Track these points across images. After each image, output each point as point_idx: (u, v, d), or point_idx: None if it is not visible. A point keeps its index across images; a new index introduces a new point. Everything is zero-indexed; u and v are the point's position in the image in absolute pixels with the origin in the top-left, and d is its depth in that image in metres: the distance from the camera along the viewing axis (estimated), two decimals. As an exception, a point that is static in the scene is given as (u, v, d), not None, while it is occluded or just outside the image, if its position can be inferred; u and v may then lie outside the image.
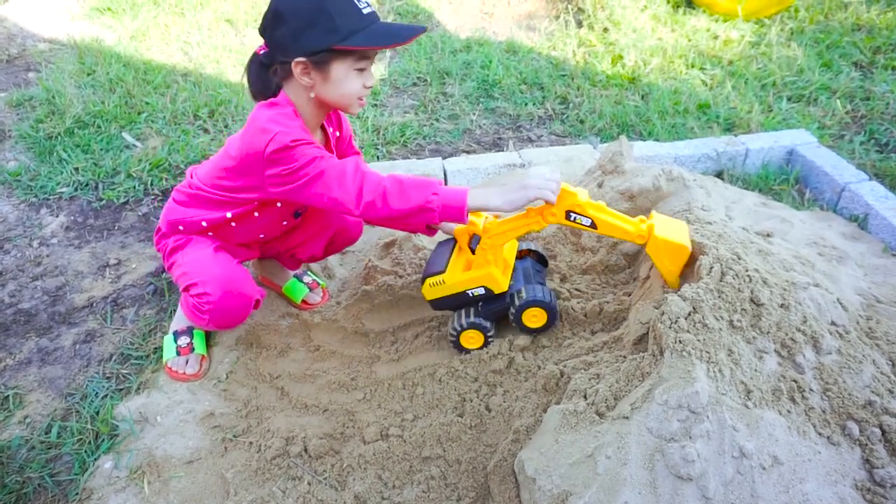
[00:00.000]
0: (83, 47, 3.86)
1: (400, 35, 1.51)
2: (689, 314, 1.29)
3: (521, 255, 1.85)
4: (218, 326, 1.80)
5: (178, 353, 1.85)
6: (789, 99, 3.34)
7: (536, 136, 3.18)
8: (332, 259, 2.34)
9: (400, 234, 2.29)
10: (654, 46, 3.89)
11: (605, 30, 4.18)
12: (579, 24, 4.33)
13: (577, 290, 1.83)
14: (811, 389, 1.29)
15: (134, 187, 2.74)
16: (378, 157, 2.94)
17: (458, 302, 1.72)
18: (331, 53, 1.47)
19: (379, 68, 3.81)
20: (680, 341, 1.24)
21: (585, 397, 1.34)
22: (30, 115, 3.24)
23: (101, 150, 2.96)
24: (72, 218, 2.60)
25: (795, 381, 1.29)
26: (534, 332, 1.71)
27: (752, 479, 1.14)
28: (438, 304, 1.75)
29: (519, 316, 1.68)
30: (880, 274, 2.09)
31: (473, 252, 1.68)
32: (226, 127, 3.15)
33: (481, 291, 1.67)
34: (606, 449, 1.19)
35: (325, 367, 1.88)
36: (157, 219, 2.56)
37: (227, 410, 1.77)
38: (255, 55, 1.60)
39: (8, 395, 1.83)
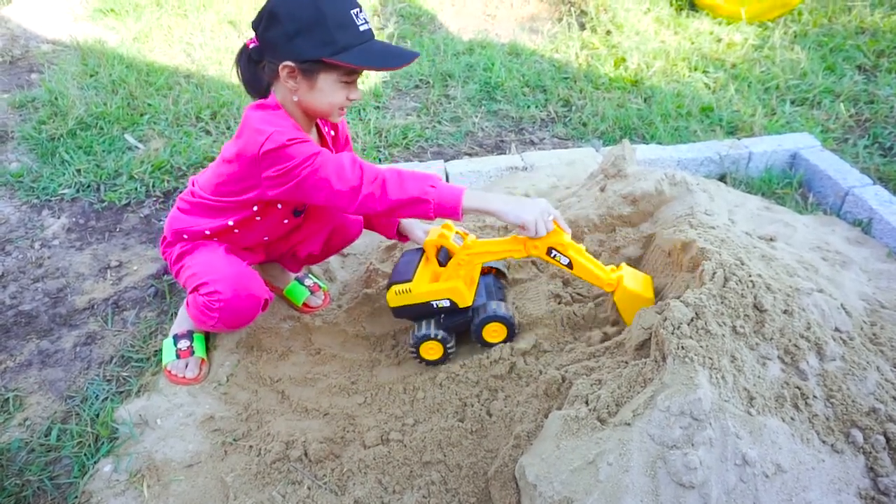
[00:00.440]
0: (86, 49, 3.86)
1: (392, 60, 1.52)
2: (692, 320, 1.28)
3: (483, 271, 1.89)
4: (227, 326, 1.78)
5: (178, 357, 1.85)
6: (793, 102, 3.33)
7: (539, 139, 3.17)
8: (334, 262, 2.34)
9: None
10: (656, 49, 3.88)
11: (608, 32, 4.18)
12: (582, 27, 4.32)
13: (578, 294, 1.82)
14: (815, 396, 1.28)
15: (136, 189, 2.73)
16: (380, 160, 2.94)
17: (420, 312, 1.74)
18: (320, 64, 1.48)
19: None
20: (682, 347, 1.23)
21: (587, 403, 1.33)
22: (32, 117, 3.24)
23: (104, 151, 2.96)
24: (73, 219, 2.60)
25: (799, 388, 1.28)
26: (491, 346, 1.74)
27: (755, 487, 1.13)
28: (401, 311, 1.77)
29: (480, 329, 1.71)
30: (884, 279, 2.08)
31: (442, 265, 1.71)
32: (228, 129, 3.15)
33: (446, 304, 1.70)
34: (608, 456, 1.18)
35: (326, 371, 1.87)
36: (159, 220, 2.57)
37: (227, 414, 1.76)
38: (245, 48, 1.59)
39: (8, 398, 1.83)
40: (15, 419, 1.78)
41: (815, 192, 2.62)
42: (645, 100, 3.41)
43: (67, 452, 1.67)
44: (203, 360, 1.88)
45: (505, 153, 3.01)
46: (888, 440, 1.24)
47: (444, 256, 1.71)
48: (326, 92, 1.53)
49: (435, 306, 1.71)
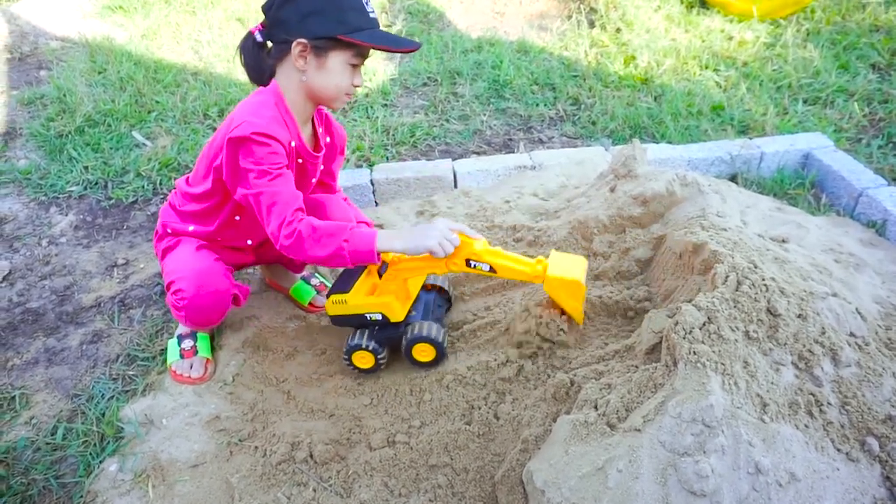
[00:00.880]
0: (94, 46, 3.86)
1: (400, 42, 1.59)
2: (704, 324, 1.26)
3: (428, 288, 1.92)
4: (195, 324, 1.81)
5: (182, 357, 1.84)
6: (805, 101, 3.28)
7: (547, 138, 3.15)
8: (341, 261, 2.32)
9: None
10: (667, 47, 3.84)
11: (618, 30, 4.14)
12: (591, 25, 4.29)
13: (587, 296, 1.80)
14: (829, 403, 1.25)
15: (143, 186, 2.73)
16: (388, 158, 2.92)
17: (356, 322, 1.78)
18: (333, 42, 1.51)
19: (389, 68, 3.79)
20: (694, 352, 1.21)
21: (596, 408, 1.31)
22: (41, 114, 3.24)
23: (111, 148, 2.96)
24: (81, 217, 2.60)
25: (813, 394, 1.25)
26: (421, 365, 1.77)
27: (768, 496, 1.10)
28: (338, 320, 1.80)
29: (409, 348, 1.74)
30: (899, 282, 2.04)
31: (380, 277, 1.76)
32: (235, 126, 3.13)
33: (378, 317, 1.74)
34: (618, 462, 1.17)
35: (332, 371, 1.86)
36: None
37: (232, 414, 1.75)
38: (249, 34, 1.61)
39: (14, 396, 1.83)
40: (21, 417, 1.78)
41: (828, 193, 2.59)
42: (655, 98, 3.38)
43: (73, 451, 1.67)
44: (208, 359, 1.87)
45: (513, 152, 2.99)
46: (905, 449, 1.21)
47: (384, 270, 1.75)
48: (335, 73, 1.55)
49: (368, 318, 1.75)
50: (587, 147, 2.91)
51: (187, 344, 1.86)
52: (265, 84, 1.63)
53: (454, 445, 1.55)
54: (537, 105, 3.39)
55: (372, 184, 2.60)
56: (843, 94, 3.32)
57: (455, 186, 2.68)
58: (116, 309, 2.14)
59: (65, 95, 3.28)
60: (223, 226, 1.77)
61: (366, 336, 1.75)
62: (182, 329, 1.90)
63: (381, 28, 1.57)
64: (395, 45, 1.57)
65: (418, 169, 2.65)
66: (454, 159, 2.80)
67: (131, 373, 1.90)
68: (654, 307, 1.61)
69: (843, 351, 1.30)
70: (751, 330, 1.28)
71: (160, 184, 2.74)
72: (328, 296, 1.76)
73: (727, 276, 1.34)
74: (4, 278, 2.29)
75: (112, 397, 1.81)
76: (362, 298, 1.73)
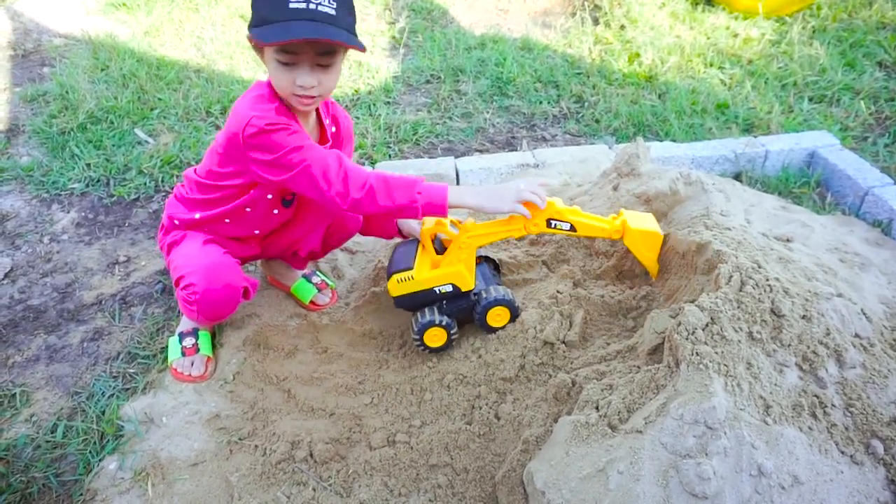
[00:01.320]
0: (97, 43, 3.86)
1: (296, 32, 1.39)
2: (707, 325, 1.25)
3: (476, 261, 1.88)
4: (207, 318, 1.78)
5: (184, 354, 1.84)
6: (811, 99, 3.26)
7: (551, 136, 3.13)
8: (342, 259, 2.32)
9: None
10: (671, 44, 3.82)
11: (622, 27, 4.11)
12: (595, 22, 4.26)
13: (588, 293, 1.79)
14: (833, 405, 1.24)
15: (145, 184, 2.73)
16: (390, 156, 2.91)
17: (422, 299, 1.74)
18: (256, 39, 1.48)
19: (392, 65, 3.77)
20: (697, 353, 1.20)
21: (597, 409, 1.30)
22: (43, 111, 3.24)
23: (113, 145, 2.96)
24: (83, 214, 2.60)
25: (817, 396, 1.24)
26: (494, 331, 1.74)
27: (770, 499, 1.09)
28: (403, 300, 1.77)
29: (484, 314, 1.71)
30: (905, 282, 2.02)
31: (438, 252, 1.74)
32: (237, 124, 3.13)
33: (448, 289, 1.71)
34: (619, 464, 1.15)
35: (333, 370, 1.85)
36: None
37: (232, 412, 1.75)
38: None
39: (15, 393, 1.82)
40: (21, 415, 1.77)
41: (834, 192, 2.56)
42: (659, 96, 3.36)
43: (73, 449, 1.67)
44: (209, 357, 1.86)
45: (516, 149, 2.97)
46: (910, 451, 1.20)
47: (438, 244, 1.75)
48: (271, 71, 1.52)
49: (438, 292, 1.71)
50: (590, 145, 2.90)
51: (188, 342, 1.86)
52: None
53: (455, 445, 1.54)
54: (541, 103, 3.37)
55: (374, 181, 2.59)
56: (849, 92, 3.29)
57: (458, 184, 2.66)
58: (117, 306, 2.13)
59: (67, 92, 3.28)
60: (233, 214, 1.76)
61: (436, 311, 1.72)
62: (183, 327, 1.90)
63: (317, 11, 1.39)
64: (288, 36, 1.39)
65: (420, 167, 2.64)
66: (457, 157, 2.79)
67: (132, 371, 1.89)
68: (657, 307, 1.60)
69: (847, 352, 1.29)
70: (754, 331, 1.27)
71: (162, 181, 2.74)
72: (388, 276, 1.73)
73: (731, 277, 1.33)
74: (6, 275, 2.29)
75: (112, 395, 1.81)
76: (428, 272, 1.70)
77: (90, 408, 1.77)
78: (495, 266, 1.94)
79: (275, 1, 1.40)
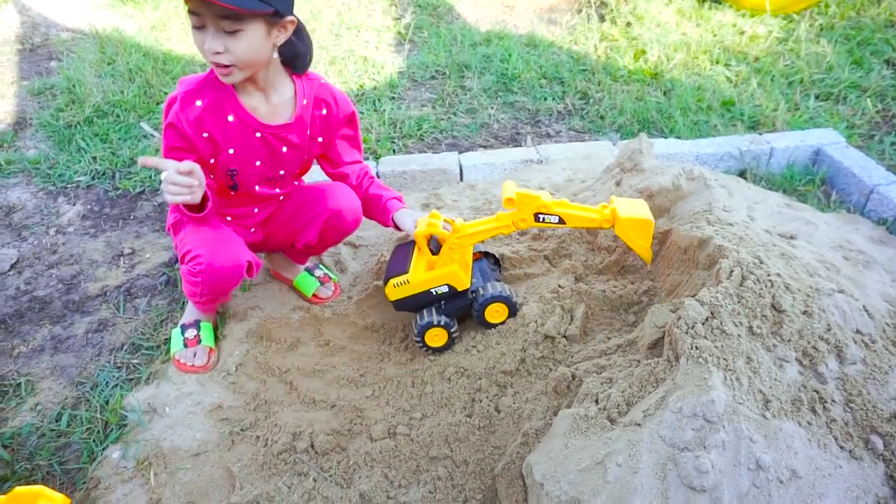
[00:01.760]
0: (104, 37, 3.88)
1: None
2: (707, 319, 1.25)
3: (475, 257, 1.91)
4: (210, 293, 1.74)
5: (186, 346, 1.85)
6: (817, 97, 3.24)
7: (555, 132, 3.13)
8: (345, 253, 2.33)
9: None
10: (677, 42, 3.80)
11: (629, 24, 4.10)
12: (602, 19, 4.25)
13: (590, 288, 1.79)
14: (833, 401, 1.24)
15: (150, 177, 2.74)
16: (394, 151, 2.92)
17: (420, 301, 1.75)
18: None
19: (397, 61, 3.77)
20: (696, 347, 1.20)
21: (597, 402, 1.30)
22: (50, 104, 3.26)
23: (119, 139, 2.98)
24: (88, 207, 2.61)
25: (817, 391, 1.24)
26: (493, 327, 1.75)
27: (768, 492, 1.09)
28: (401, 304, 1.78)
29: (482, 311, 1.72)
30: (909, 280, 2.01)
31: (434, 253, 1.74)
32: (243, 118, 3.14)
33: (444, 289, 1.72)
34: (617, 456, 1.16)
35: (335, 363, 1.86)
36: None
37: (235, 403, 1.76)
38: None
39: (20, 382, 1.84)
40: (27, 404, 1.79)
41: (839, 190, 2.55)
42: (664, 93, 3.34)
43: (77, 438, 1.68)
44: (211, 349, 1.88)
45: (520, 145, 2.97)
46: (909, 447, 1.20)
47: (434, 245, 1.74)
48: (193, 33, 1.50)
49: (434, 293, 1.73)
50: (595, 141, 2.89)
51: (191, 333, 1.87)
52: None
53: (455, 437, 1.54)
54: (545, 99, 3.37)
55: (378, 176, 2.60)
56: (856, 90, 3.27)
57: (461, 180, 2.67)
58: (122, 298, 2.15)
59: (74, 86, 3.30)
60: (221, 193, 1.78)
61: (434, 312, 1.74)
62: (186, 318, 1.92)
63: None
64: None
65: (424, 162, 2.64)
66: (461, 152, 2.79)
67: (135, 361, 1.91)
68: (658, 302, 1.60)
69: (848, 348, 1.28)
70: (755, 326, 1.27)
71: (167, 174, 2.75)
72: (384, 282, 1.75)
73: (732, 271, 1.33)
74: (12, 266, 2.31)
75: (116, 385, 1.83)
76: (423, 275, 1.72)
77: (94, 397, 1.78)
78: (496, 261, 1.95)
79: None
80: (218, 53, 1.47)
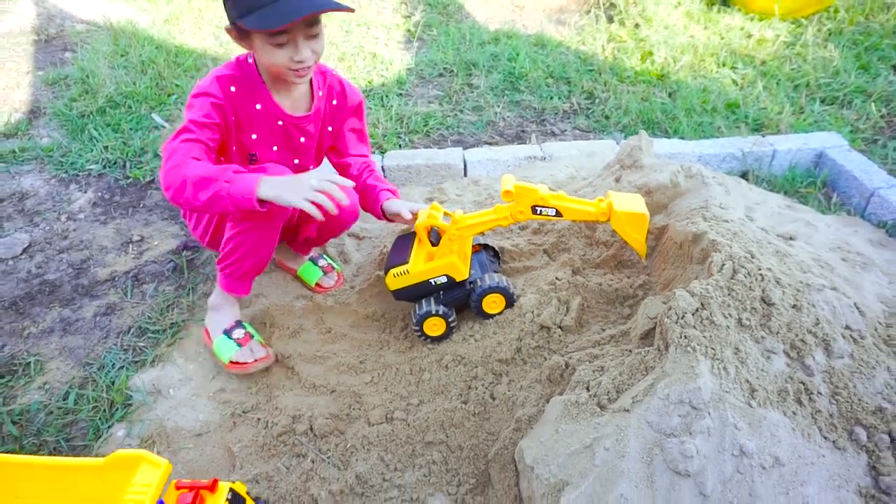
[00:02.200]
0: (118, 29, 3.94)
1: (292, 13, 1.45)
2: (697, 310, 1.28)
3: (474, 249, 1.94)
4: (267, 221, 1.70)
5: (240, 346, 1.82)
6: (823, 101, 3.26)
7: (560, 131, 3.16)
8: (349, 244, 2.37)
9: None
10: (684, 44, 3.82)
11: (637, 26, 4.13)
12: (610, 20, 4.28)
13: (588, 281, 1.82)
14: (819, 393, 1.26)
15: (160, 167, 2.78)
16: (400, 146, 2.96)
17: (419, 291, 1.79)
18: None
19: (406, 58, 3.81)
20: (685, 336, 1.23)
21: (588, 389, 1.33)
22: (64, 94, 3.32)
23: (131, 129, 3.03)
24: (99, 194, 2.67)
25: (803, 383, 1.26)
26: (490, 317, 1.78)
27: (751, 478, 1.12)
28: (401, 293, 1.81)
29: (479, 302, 1.75)
30: (906, 282, 2.03)
31: (434, 245, 1.77)
32: (252, 111, 3.19)
33: (443, 280, 1.75)
34: (605, 441, 1.19)
35: (336, 350, 1.90)
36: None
37: (237, 387, 1.80)
38: None
39: (30, 362, 1.89)
40: (35, 382, 1.84)
41: (840, 193, 2.57)
42: (670, 94, 3.37)
43: (83, 416, 1.73)
44: (262, 342, 1.87)
45: (525, 143, 3.00)
46: (893, 439, 1.22)
47: (434, 236, 1.78)
48: (264, 53, 1.57)
49: (433, 284, 1.76)
50: (599, 140, 2.92)
51: (238, 333, 1.85)
52: None
53: (450, 423, 1.58)
54: (551, 98, 3.40)
55: (383, 170, 2.64)
56: (861, 94, 3.28)
57: (465, 175, 2.70)
58: (130, 283, 2.20)
59: (88, 77, 3.36)
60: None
61: (433, 302, 1.77)
62: (224, 324, 1.87)
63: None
64: (283, 20, 1.45)
65: (429, 157, 2.68)
66: (465, 148, 2.82)
67: (142, 344, 1.96)
68: (653, 295, 1.63)
69: (836, 342, 1.31)
70: (744, 318, 1.30)
71: (177, 164, 2.80)
72: (385, 272, 1.79)
73: (723, 265, 1.36)
74: (24, 251, 2.36)
75: (122, 367, 1.87)
76: (423, 265, 1.75)
77: (101, 378, 1.83)
78: (495, 253, 1.98)
79: None
80: (308, 59, 1.56)
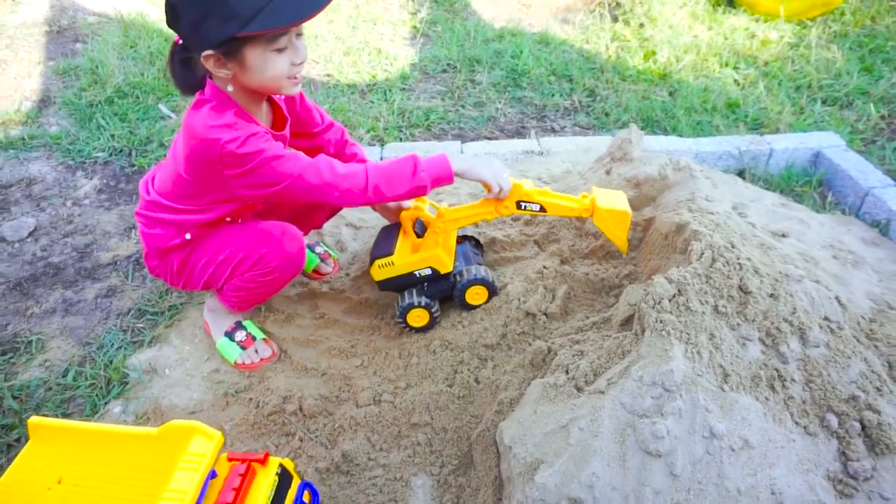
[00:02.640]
0: (128, 21, 4.01)
1: (307, 6, 1.35)
2: (674, 296, 1.30)
3: (458, 240, 1.96)
4: (279, 286, 1.76)
5: (243, 348, 1.84)
6: (824, 102, 3.26)
7: (560, 127, 3.18)
8: (346, 233, 2.41)
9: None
10: (688, 43, 3.84)
11: (641, 25, 4.14)
12: (615, 19, 4.30)
13: (575, 271, 1.85)
14: (793, 380, 1.28)
15: (164, 155, 2.84)
16: (401, 139, 2.99)
17: (404, 283, 1.81)
18: (238, 41, 1.35)
19: (410, 53, 3.85)
20: (661, 321, 1.26)
21: (567, 372, 1.36)
22: (74, 84, 3.39)
23: (138, 119, 3.09)
24: (105, 181, 2.73)
25: (777, 370, 1.29)
26: (474, 308, 1.82)
27: (720, 459, 1.15)
28: (386, 284, 1.84)
29: (462, 294, 1.79)
30: (897, 281, 2.04)
31: (419, 236, 1.80)
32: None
33: (428, 272, 1.78)
34: (580, 421, 1.22)
35: (328, 335, 1.94)
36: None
37: (231, 368, 1.85)
38: (175, 45, 1.47)
39: (32, 340, 1.95)
40: (36, 360, 1.89)
41: (836, 192, 2.58)
42: (670, 93, 3.39)
43: (81, 392, 1.78)
44: (266, 339, 1.89)
45: (524, 139, 3.03)
46: (864, 427, 1.24)
47: (420, 228, 1.80)
48: (262, 67, 1.41)
49: (418, 275, 1.79)
50: (597, 136, 2.94)
51: (240, 335, 1.85)
52: (195, 89, 1.52)
53: (435, 406, 1.61)
54: (553, 95, 3.42)
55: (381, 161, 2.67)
56: (863, 96, 3.29)
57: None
58: (131, 267, 2.25)
59: (97, 67, 3.42)
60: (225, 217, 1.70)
61: (415, 293, 1.79)
62: (224, 326, 1.88)
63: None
64: (301, 14, 1.34)
65: (427, 149, 2.72)
66: (463, 143, 2.86)
67: (140, 325, 2.01)
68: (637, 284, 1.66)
69: (811, 331, 1.33)
70: (720, 305, 1.32)
71: (181, 154, 2.86)
72: (371, 262, 1.81)
73: (702, 253, 1.38)
74: (30, 234, 2.42)
75: (120, 347, 1.92)
76: (408, 257, 1.77)
77: (99, 357, 1.88)
78: (477, 243, 2.02)
79: None
80: (303, 60, 1.48)
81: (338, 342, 1.90)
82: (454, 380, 1.66)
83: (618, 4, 4.42)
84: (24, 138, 2.95)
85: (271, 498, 1.18)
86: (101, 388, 1.79)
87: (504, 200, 1.65)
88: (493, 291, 1.79)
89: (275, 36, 1.38)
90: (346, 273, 2.19)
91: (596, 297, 1.74)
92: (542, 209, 1.66)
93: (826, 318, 1.43)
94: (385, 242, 1.84)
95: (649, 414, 1.18)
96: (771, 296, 1.36)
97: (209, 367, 1.87)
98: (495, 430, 1.45)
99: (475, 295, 1.79)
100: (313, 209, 2.00)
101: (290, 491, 1.24)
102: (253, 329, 1.90)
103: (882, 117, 3.08)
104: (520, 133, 3.13)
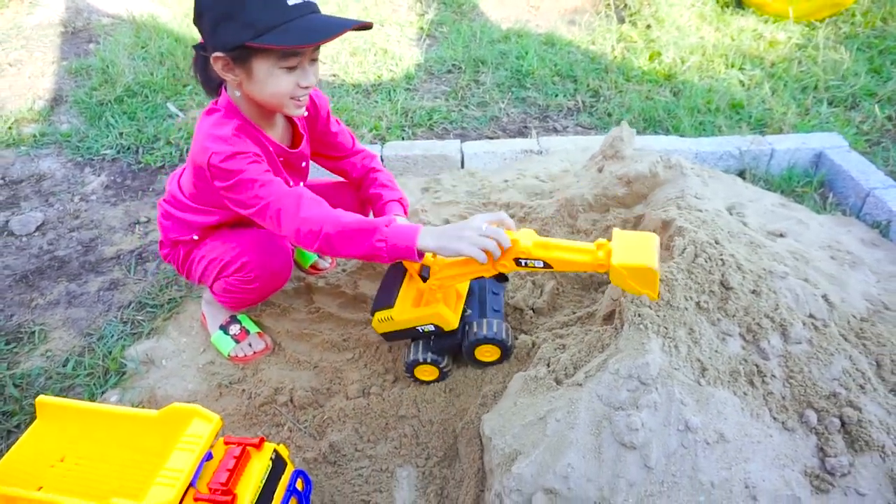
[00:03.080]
0: (140, 23, 4.08)
1: (322, 31, 1.34)
2: (654, 291, 1.31)
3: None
4: (263, 294, 1.77)
5: (237, 342, 1.87)
6: (830, 103, 3.24)
7: (562, 127, 3.19)
8: (345, 230, 2.43)
9: (409, 209, 2.36)
10: (694, 44, 3.82)
11: (648, 26, 4.14)
12: (622, 20, 4.29)
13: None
14: (773, 375, 1.29)
15: (171, 153, 2.90)
16: (403, 138, 3.02)
17: (409, 335, 1.65)
18: (249, 50, 1.36)
19: (415, 54, 3.88)
20: (639, 315, 1.27)
21: (548, 365, 1.38)
22: (86, 83, 3.46)
23: (146, 117, 3.15)
24: (112, 178, 2.78)
25: (757, 365, 1.29)
26: (485, 366, 1.64)
27: (695, 452, 1.15)
28: (389, 336, 1.68)
29: (471, 352, 1.60)
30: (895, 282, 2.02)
31: (424, 280, 1.58)
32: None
33: (431, 328, 1.60)
34: (557, 413, 1.23)
35: (322, 328, 1.97)
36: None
37: (225, 361, 1.88)
38: (198, 45, 1.50)
39: (35, 331, 2.00)
40: (38, 350, 1.94)
41: (837, 193, 2.56)
42: (674, 94, 3.38)
43: (80, 382, 1.83)
44: (260, 332, 1.92)
45: (525, 138, 3.04)
46: (843, 423, 1.24)
47: (426, 271, 1.56)
48: (265, 81, 1.41)
49: (421, 331, 1.61)
50: (597, 136, 2.95)
51: (234, 329, 1.88)
52: (216, 91, 1.57)
53: (423, 399, 1.63)
54: (556, 95, 3.43)
55: (382, 159, 2.71)
56: (870, 97, 3.25)
57: (462, 167, 2.75)
58: (134, 261, 2.30)
59: (108, 67, 3.49)
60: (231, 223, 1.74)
61: (421, 348, 1.62)
62: (220, 319, 1.91)
63: (311, 2, 1.37)
64: (314, 37, 1.33)
65: (427, 148, 2.74)
66: (463, 141, 2.88)
67: (140, 318, 2.05)
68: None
69: (793, 328, 1.33)
70: (702, 300, 1.33)
71: (186, 151, 2.90)
72: (371, 313, 1.64)
73: (685, 249, 1.39)
74: (37, 228, 2.48)
75: (120, 338, 1.97)
76: (409, 312, 1.58)
77: (99, 347, 1.93)
78: (502, 276, 1.66)
79: (274, 5, 1.31)
80: (311, 84, 1.46)
81: (331, 336, 1.92)
82: (442, 374, 1.68)
83: (625, 6, 4.42)
84: (35, 136, 3.02)
85: (264, 481, 1.21)
86: (100, 377, 1.83)
87: (500, 258, 1.36)
88: (505, 351, 1.57)
89: (286, 54, 1.38)
90: (343, 269, 2.22)
91: (584, 293, 1.75)
92: (547, 265, 1.35)
93: (811, 316, 1.42)
94: (386, 290, 1.64)
95: (625, 406, 1.19)
96: (753, 292, 1.36)
97: (205, 358, 1.91)
98: (479, 423, 1.47)
99: (486, 353, 1.59)
100: None
101: (283, 476, 1.28)
102: (247, 323, 1.93)
103: (888, 118, 3.05)
104: (522, 133, 3.14)
